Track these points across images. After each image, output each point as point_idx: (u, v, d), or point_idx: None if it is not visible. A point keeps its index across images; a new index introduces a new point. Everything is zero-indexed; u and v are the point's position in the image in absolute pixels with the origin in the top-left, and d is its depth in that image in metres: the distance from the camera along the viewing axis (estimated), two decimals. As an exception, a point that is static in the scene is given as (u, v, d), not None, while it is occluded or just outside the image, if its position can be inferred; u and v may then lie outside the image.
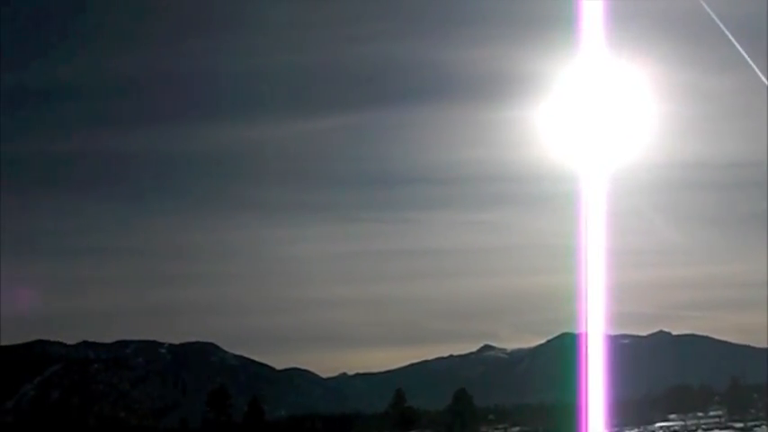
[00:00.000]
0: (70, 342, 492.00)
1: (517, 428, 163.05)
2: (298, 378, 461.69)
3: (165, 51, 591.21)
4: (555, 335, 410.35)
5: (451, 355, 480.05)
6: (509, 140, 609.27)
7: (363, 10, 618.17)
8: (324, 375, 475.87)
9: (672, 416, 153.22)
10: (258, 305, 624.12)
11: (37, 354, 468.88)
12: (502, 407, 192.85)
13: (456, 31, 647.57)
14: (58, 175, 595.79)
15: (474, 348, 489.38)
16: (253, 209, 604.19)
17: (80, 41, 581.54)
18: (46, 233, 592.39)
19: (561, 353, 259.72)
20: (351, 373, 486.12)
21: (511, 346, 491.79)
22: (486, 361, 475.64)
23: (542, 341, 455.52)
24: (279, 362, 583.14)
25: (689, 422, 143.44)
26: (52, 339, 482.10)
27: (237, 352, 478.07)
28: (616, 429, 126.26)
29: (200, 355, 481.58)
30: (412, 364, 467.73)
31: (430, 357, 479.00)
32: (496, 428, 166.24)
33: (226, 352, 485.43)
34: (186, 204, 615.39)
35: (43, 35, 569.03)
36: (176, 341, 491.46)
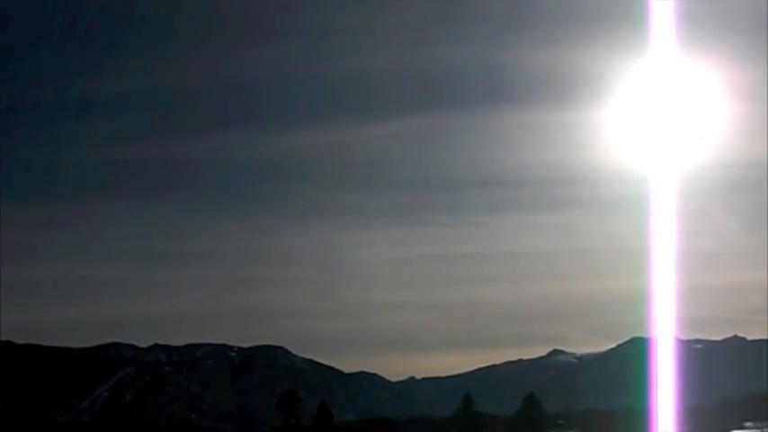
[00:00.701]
0: (142, 345, 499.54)
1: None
2: (366, 382, 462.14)
3: (233, 59, 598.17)
4: (625, 339, 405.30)
5: (520, 360, 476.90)
6: (577, 142, 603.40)
7: (427, 14, 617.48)
8: (392, 379, 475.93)
9: (747, 423, 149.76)
10: (326, 309, 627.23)
11: (111, 356, 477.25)
12: (571, 412, 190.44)
13: (521, 33, 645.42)
14: (130, 181, 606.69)
15: (543, 353, 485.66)
16: (320, 213, 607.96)
17: (150, 50, 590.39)
18: (118, 238, 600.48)
19: (632, 357, 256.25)
20: (419, 377, 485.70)
21: (580, 350, 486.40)
22: (556, 365, 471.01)
23: (612, 345, 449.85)
24: (347, 365, 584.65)
25: (765, 430, 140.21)
26: (125, 342, 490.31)
27: (306, 355, 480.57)
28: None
29: (270, 358, 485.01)
30: (480, 369, 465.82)
31: (498, 362, 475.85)
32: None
33: (295, 355, 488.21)
34: (255, 209, 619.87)
35: (113, 44, 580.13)
36: (246, 344, 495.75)
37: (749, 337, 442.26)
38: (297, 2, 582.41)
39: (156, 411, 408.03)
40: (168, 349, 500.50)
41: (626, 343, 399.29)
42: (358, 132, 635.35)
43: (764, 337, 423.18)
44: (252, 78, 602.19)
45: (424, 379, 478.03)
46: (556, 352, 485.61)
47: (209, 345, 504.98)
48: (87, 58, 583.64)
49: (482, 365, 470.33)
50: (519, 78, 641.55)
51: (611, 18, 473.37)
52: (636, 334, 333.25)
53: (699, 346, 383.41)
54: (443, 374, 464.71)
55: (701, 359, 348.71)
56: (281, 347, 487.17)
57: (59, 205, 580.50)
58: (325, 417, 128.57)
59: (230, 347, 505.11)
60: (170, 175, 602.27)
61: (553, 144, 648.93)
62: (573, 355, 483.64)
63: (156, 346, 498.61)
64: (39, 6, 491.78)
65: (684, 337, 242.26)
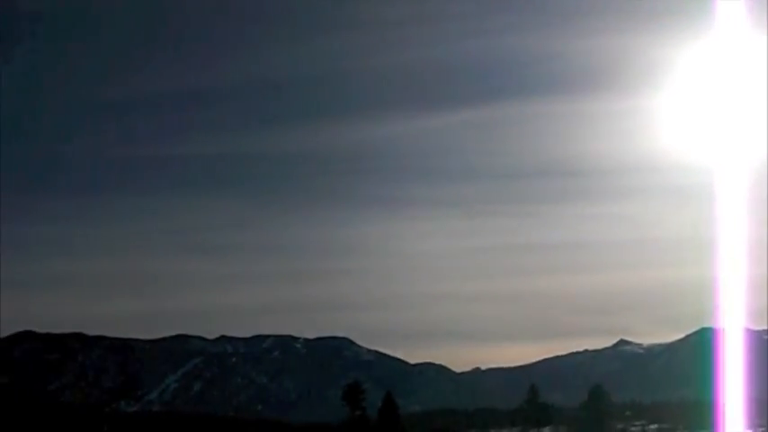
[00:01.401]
0: (210, 337, 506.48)
1: (655, 426, 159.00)
2: (431, 373, 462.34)
3: (290, 53, 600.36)
4: (693, 330, 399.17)
5: (586, 350, 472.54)
6: (639, 130, 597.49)
7: (483, 4, 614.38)
8: (457, 370, 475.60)
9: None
10: (391, 300, 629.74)
11: (179, 348, 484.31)
12: (639, 403, 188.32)
13: (577, 21, 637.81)
14: (194, 175, 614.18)
15: (609, 343, 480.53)
16: (382, 205, 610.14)
17: (208, 47, 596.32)
18: (185, 231, 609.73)
19: (700, 348, 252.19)
20: (484, 367, 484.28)
21: (647, 341, 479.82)
22: (622, 356, 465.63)
23: (680, 336, 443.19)
24: (412, 356, 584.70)
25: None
26: (193, 334, 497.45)
27: (372, 347, 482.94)
28: (761, 429, 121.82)
29: (335, 349, 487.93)
30: (546, 360, 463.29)
31: (564, 352, 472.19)
32: (634, 425, 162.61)
33: (360, 347, 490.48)
34: (318, 202, 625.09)
35: (179, 42, 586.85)
36: (311, 336, 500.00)
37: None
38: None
39: (223, 402, 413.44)
40: (235, 341, 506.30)
41: (694, 333, 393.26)
42: (418, 123, 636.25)
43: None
44: (311, 72, 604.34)
45: (489, 370, 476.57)
46: (622, 342, 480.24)
47: (275, 336, 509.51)
48: (149, 59, 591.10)
49: (547, 356, 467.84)
50: (577, 66, 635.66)
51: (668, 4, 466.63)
52: (704, 324, 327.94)
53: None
54: (509, 365, 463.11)
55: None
56: (346, 339, 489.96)
57: (128, 200, 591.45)
58: (390, 408, 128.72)
59: (296, 339, 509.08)
60: (234, 170, 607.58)
61: (615, 132, 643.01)
62: (640, 345, 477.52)
63: (223, 337, 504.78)
64: (123, 4, 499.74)
65: (754, 327, 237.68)
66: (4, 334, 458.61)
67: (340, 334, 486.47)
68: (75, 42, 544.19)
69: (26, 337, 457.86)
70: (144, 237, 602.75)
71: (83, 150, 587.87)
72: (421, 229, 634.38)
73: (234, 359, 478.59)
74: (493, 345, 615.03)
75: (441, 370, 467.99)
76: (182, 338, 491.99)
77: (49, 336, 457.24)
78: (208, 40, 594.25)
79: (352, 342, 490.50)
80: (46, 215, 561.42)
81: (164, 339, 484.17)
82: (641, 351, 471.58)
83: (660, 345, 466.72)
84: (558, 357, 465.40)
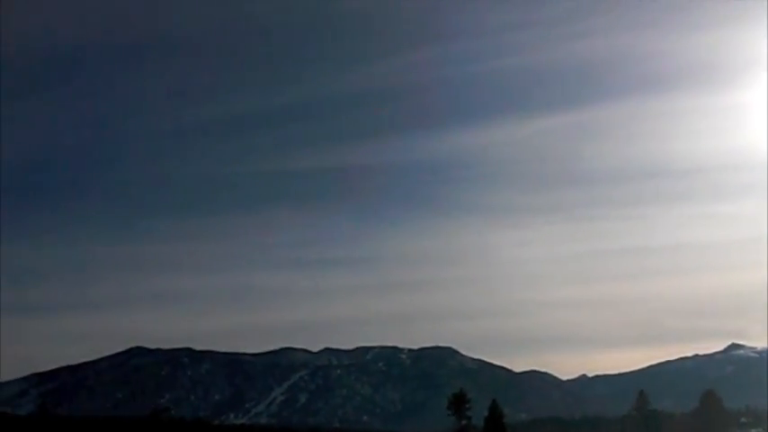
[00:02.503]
0: (314, 349, 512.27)
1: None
2: (537, 380, 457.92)
3: (388, 64, 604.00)
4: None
5: (696, 355, 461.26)
6: (743, 127, 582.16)
7: (578, 7, 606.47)
8: (563, 377, 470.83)
9: None
10: (494, 308, 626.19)
11: (284, 361, 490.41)
12: (754, 409, 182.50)
13: (670, 20, 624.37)
14: (294, 190, 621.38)
15: (720, 347, 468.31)
16: (481, 213, 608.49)
17: (311, 62, 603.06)
18: (286, 246, 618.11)
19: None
20: (591, 374, 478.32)
21: (761, 344, 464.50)
22: (735, 360, 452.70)
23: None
24: (517, 364, 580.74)
25: None
26: (297, 347, 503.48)
27: (476, 355, 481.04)
28: None
29: (439, 359, 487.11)
30: (654, 365, 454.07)
31: (673, 357, 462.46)
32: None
33: (464, 356, 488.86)
34: (416, 212, 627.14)
35: (281, 58, 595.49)
36: (415, 346, 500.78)
37: None
38: (449, 3, 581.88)
39: (328, 414, 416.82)
40: (339, 353, 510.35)
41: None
42: (513, 130, 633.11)
43: None
44: (408, 82, 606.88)
45: (596, 377, 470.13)
46: (734, 346, 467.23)
47: (379, 347, 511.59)
48: (251, 76, 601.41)
49: (656, 362, 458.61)
50: (673, 65, 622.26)
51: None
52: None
53: None
54: (616, 372, 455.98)
55: None
56: (450, 348, 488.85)
57: (231, 217, 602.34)
58: (496, 417, 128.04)
59: (400, 350, 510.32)
60: (332, 184, 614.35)
61: (717, 129, 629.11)
62: (753, 349, 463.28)
63: (328, 349, 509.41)
64: (203, 22, 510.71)
65: None
66: (117, 350, 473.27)
67: (444, 343, 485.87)
68: (178, 64, 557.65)
69: (138, 352, 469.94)
70: (248, 252, 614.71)
71: (188, 169, 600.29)
72: (522, 237, 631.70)
73: (338, 371, 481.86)
74: (599, 351, 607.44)
75: (546, 377, 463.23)
76: (287, 351, 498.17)
77: (159, 351, 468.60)
78: (311, 55, 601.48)
79: (456, 351, 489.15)
80: (154, 234, 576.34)
81: (270, 353, 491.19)
82: (755, 355, 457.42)
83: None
84: (666, 362, 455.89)
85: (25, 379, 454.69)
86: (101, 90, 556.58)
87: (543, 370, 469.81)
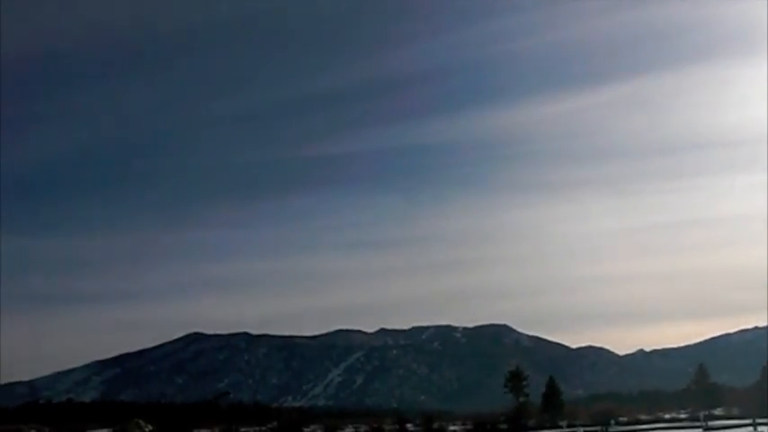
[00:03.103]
0: (369, 330, 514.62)
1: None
2: (594, 356, 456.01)
3: (429, 45, 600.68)
4: None
5: (756, 327, 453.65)
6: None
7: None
8: (620, 353, 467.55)
9: None
10: (549, 285, 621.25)
11: (340, 342, 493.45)
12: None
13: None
14: (343, 173, 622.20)
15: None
16: (532, 189, 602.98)
17: (350, 42, 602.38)
18: (338, 228, 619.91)
19: None
20: (648, 349, 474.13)
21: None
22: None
23: None
24: (574, 340, 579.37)
25: None
26: (353, 328, 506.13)
27: (531, 332, 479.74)
28: None
29: (494, 337, 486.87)
30: (713, 338, 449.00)
31: (732, 330, 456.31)
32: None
33: (520, 333, 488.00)
34: (466, 190, 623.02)
35: (316, 40, 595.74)
36: (470, 324, 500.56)
37: None
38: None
39: (385, 394, 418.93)
40: (394, 333, 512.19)
41: None
42: (565, 104, 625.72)
43: None
44: (451, 62, 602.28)
45: (653, 351, 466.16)
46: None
47: (434, 327, 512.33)
48: (293, 60, 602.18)
49: (714, 335, 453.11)
50: (724, 32, 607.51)
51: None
52: None
53: None
54: (674, 346, 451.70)
55: None
56: (506, 325, 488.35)
57: (280, 201, 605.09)
58: (553, 394, 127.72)
59: (454, 328, 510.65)
60: (382, 165, 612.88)
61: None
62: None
63: (383, 330, 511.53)
64: (246, 10, 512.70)
65: None
66: (175, 336, 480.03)
67: (499, 321, 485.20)
68: (229, 49, 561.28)
69: (195, 338, 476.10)
70: (302, 236, 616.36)
71: (241, 156, 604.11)
72: (575, 212, 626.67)
73: (394, 351, 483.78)
74: (656, 325, 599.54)
75: (603, 353, 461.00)
76: (343, 333, 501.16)
77: (216, 336, 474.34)
78: (353, 38, 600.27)
79: (511, 329, 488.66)
80: (209, 221, 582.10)
81: (325, 335, 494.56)
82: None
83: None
84: (725, 335, 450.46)
85: (87, 366, 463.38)
86: (152, 79, 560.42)
87: (600, 345, 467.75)
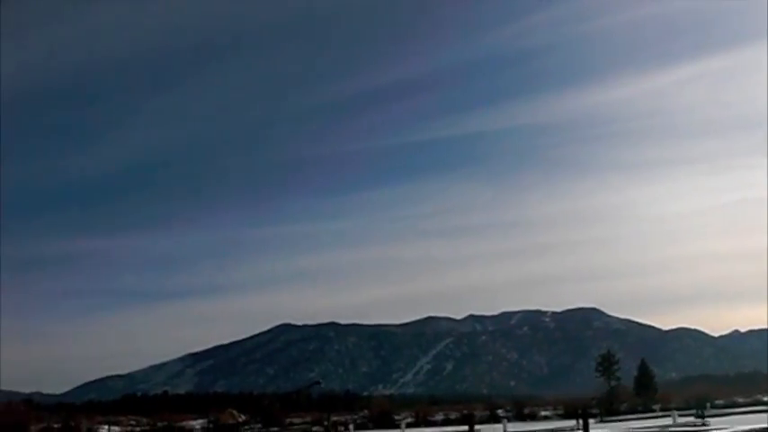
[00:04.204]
0: (458, 317, 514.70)
1: None
2: (687, 338, 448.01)
3: (508, 29, 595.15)
4: None
5: None
6: None
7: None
8: (714, 334, 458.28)
9: None
10: (637, 266, 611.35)
11: (429, 330, 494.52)
12: None
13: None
14: (428, 160, 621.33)
15: None
16: (620, 169, 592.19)
17: (428, 32, 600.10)
18: (422, 216, 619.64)
19: None
20: (743, 329, 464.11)
21: None
22: None
23: None
24: (665, 322, 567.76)
25: None
26: (441, 316, 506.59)
27: (622, 315, 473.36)
28: None
29: (584, 320, 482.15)
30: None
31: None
32: None
33: (609, 316, 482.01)
34: (553, 173, 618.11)
35: (402, 27, 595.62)
36: (559, 309, 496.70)
37: None
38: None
39: (475, 380, 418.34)
40: (483, 319, 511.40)
41: None
42: (647, 83, 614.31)
43: None
44: (526, 47, 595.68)
45: (749, 332, 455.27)
46: None
47: (523, 312, 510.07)
48: (370, 51, 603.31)
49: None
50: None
51: None
52: None
53: None
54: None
55: None
56: (595, 309, 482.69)
57: (367, 191, 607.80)
58: (646, 377, 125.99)
59: (543, 313, 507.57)
60: (468, 151, 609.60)
61: None
62: None
63: (471, 316, 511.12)
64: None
65: None
66: (265, 328, 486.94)
67: (588, 305, 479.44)
68: (308, 43, 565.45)
69: (285, 329, 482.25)
70: (388, 225, 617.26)
71: (325, 148, 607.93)
72: (661, 192, 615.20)
73: (483, 337, 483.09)
74: (751, 304, 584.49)
75: (696, 334, 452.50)
76: (431, 320, 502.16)
77: (306, 327, 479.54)
78: (431, 25, 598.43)
79: (600, 312, 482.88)
80: (296, 213, 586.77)
81: (414, 323, 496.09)
82: None
83: None
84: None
85: (181, 359, 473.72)
86: (234, 77, 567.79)
87: (693, 327, 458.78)
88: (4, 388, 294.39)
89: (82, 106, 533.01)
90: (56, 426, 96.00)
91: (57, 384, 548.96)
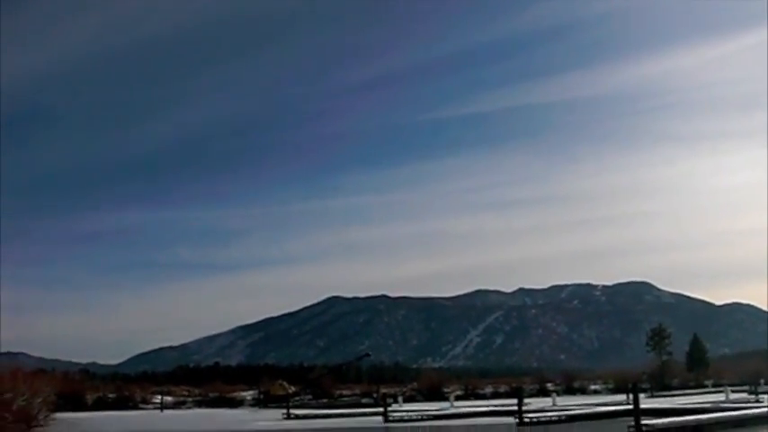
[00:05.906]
0: (508, 290, 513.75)
1: None
2: (740, 313, 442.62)
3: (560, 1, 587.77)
4: None
5: None
6: None
7: None
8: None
9: None
10: (690, 240, 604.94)
11: (478, 303, 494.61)
12: None
13: None
14: (477, 133, 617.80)
15: None
16: (673, 142, 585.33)
17: (478, 6, 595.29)
18: (478, 189, 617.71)
19: None
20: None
21: None
22: None
23: None
24: (718, 297, 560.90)
25: None
26: (491, 289, 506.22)
27: (673, 289, 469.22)
28: None
29: (635, 294, 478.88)
30: None
31: None
32: None
33: (661, 290, 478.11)
34: (603, 146, 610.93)
35: (446, 5, 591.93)
36: (609, 282, 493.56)
37: None
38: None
39: (525, 353, 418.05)
40: (533, 292, 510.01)
41: None
42: (700, 54, 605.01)
43: None
44: (577, 19, 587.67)
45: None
46: None
47: (574, 285, 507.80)
48: (421, 24, 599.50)
49: None
50: None
51: None
52: None
53: None
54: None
55: None
56: (647, 283, 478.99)
57: (416, 165, 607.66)
58: (698, 352, 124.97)
59: (594, 286, 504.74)
60: (518, 124, 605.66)
61: None
62: None
63: (522, 290, 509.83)
64: None
65: None
66: (316, 300, 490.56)
67: (639, 278, 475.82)
68: (364, 16, 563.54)
69: (335, 302, 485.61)
70: (439, 198, 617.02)
71: (375, 121, 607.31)
72: (714, 165, 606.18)
73: (533, 311, 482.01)
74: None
75: (750, 309, 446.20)
76: (481, 294, 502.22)
77: (356, 299, 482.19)
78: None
79: (652, 285, 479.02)
80: (346, 187, 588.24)
81: (464, 296, 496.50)
82: None
83: None
84: None
85: (232, 331, 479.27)
86: (285, 51, 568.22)
87: (746, 302, 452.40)
88: (62, 358, 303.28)
89: (135, 83, 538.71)
90: (110, 395, 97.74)
91: (112, 355, 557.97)
